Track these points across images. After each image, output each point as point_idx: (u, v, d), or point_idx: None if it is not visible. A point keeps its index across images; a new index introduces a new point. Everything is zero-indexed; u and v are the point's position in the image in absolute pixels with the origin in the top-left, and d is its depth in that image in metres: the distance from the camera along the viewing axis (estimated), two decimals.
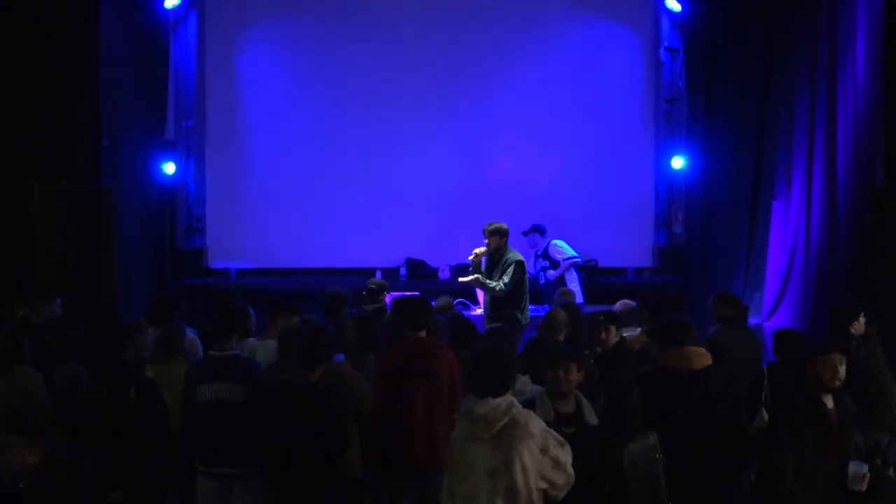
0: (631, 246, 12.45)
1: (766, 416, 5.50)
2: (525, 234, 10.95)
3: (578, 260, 11.02)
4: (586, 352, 6.47)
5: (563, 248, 10.98)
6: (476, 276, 8.64)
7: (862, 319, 6.57)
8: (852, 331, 6.43)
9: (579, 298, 10.11)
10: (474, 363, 4.54)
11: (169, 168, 11.56)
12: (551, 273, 10.90)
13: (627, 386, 5.58)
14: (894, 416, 5.13)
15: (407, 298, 6.19)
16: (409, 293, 8.04)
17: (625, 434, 5.28)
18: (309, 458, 5.05)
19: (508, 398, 4.40)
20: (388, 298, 8.37)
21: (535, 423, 4.39)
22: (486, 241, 8.68)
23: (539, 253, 11.00)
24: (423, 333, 5.77)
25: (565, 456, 4.40)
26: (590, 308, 8.41)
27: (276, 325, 6.70)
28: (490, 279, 8.66)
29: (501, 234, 8.69)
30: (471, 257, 8.77)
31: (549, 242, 11.02)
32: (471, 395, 4.51)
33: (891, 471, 4.90)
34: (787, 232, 11.37)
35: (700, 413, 5.10)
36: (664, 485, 4.96)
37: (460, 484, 4.37)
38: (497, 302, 8.60)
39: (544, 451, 4.34)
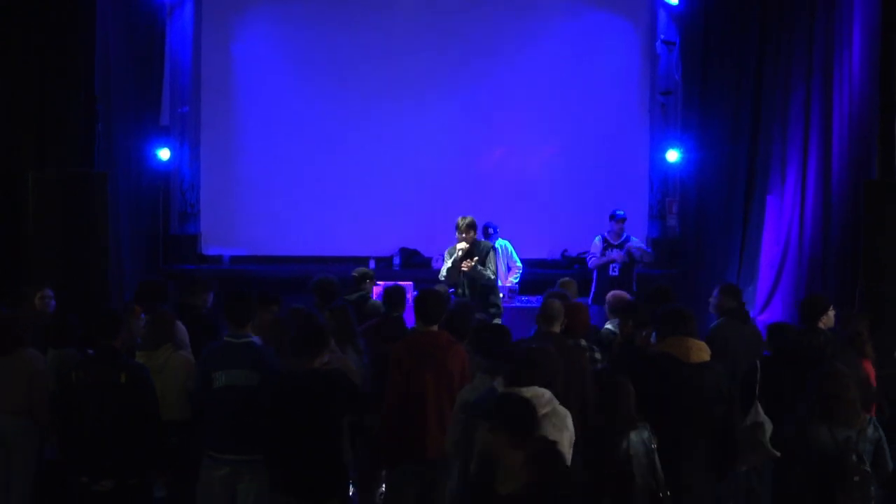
0: None
1: (760, 412, 5.34)
2: (618, 220, 10.65)
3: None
4: (581, 342, 6.46)
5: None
6: (474, 263, 8.49)
7: (831, 313, 6.41)
8: (821, 325, 6.29)
9: None
10: (521, 357, 4.59)
11: (163, 154, 11.55)
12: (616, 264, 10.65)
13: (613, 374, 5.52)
14: (855, 412, 4.94)
15: (421, 292, 6.13)
16: (401, 282, 8.03)
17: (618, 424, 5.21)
18: (313, 445, 5.04)
19: (548, 391, 4.45)
20: (379, 287, 8.33)
21: (570, 422, 4.46)
22: (464, 235, 8.57)
23: (616, 242, 10.71)
24: (434, 328, 5.77)
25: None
26: (581, 300, 8.47)
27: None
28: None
29: (476, 226, 8.72)
30: (459, 255, 8.53)
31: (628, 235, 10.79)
32: (499, 383, 4.59)
33: (866, 466, 4.78)
34: (780, 226, 11.36)
35: (689, 406, 5.07)
36: (661, 475, 4.90)
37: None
38: (486, 291, 8.62)
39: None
